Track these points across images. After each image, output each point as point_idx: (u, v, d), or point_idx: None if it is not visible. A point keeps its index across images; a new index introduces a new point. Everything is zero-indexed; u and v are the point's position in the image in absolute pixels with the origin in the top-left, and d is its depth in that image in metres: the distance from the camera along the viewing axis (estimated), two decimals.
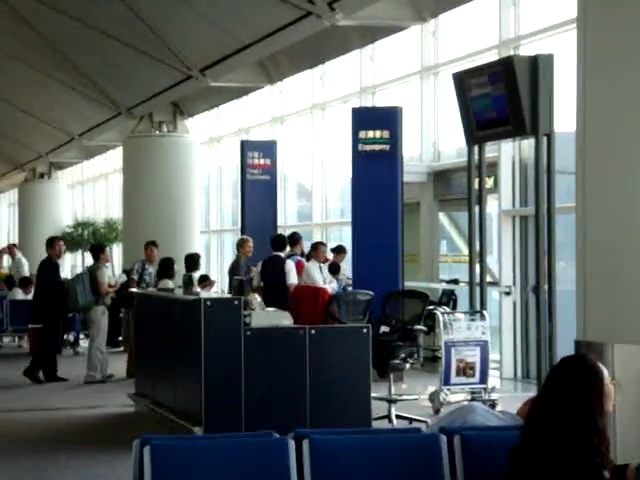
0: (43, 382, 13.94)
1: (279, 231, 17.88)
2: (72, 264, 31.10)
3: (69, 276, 16.08)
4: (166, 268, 14.48)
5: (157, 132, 20.18)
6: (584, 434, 4.35)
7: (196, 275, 14.88)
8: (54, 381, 13.95)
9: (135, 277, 14.90)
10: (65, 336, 17.97)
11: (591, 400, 4.40)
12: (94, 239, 28.53)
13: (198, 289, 12.82)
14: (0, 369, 15.59)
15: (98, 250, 14.71)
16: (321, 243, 14.77)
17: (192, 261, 15.16)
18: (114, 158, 27.37)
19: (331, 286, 13.29)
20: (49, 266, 14.36)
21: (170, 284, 13.87)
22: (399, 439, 5.01)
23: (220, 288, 19.70)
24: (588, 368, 4.50)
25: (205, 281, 14.19)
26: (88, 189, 34.09)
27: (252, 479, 4.60)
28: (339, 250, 15.16)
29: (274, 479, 4.61)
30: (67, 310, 15.21)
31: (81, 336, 18.37)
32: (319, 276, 13.29)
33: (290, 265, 13.79)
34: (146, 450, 4.48)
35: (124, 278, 14.85)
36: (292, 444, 4.67)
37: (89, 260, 29.93)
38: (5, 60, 19.74)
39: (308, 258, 14.31)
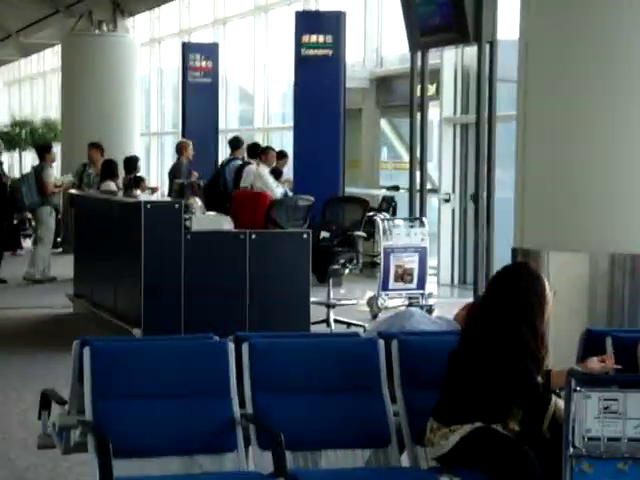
0: (6, 282, 13.80)
1: (220, 136, 17.78)
2: (9, 164, 30.63)
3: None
4: (109, 170, 14.35)
5: (97, 31, 19.80)
6: (522, 338, 4.43)
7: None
8: None
9: (73, 179, 14.78)
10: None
11: (532, 306, 4.48)
12: (32, 139, 28.13)
13: (138, 192, 12.73)
14: None
15: (44, 150, 14.50)
16: (271, 148, 14.62)
17: (131, 164, 15.03)
18: (52, 57, 26.86)
19: (280, 191, 13.21)
20: None
21: (113, 186, 13.76)
22: (337, 342, 5.07)
23: (161, 191, 19.60)
24: (531, 276, 4.57)
25: (140, 182, 14.05)
26: (25, 88, 33.51)
27: (191, 381, 4.63)
28: (281, 155, 15.08)
29: (213, 381, 4.64)
30: (10, 210, 15.06)
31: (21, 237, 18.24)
32: (272, 181, 13.17)
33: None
34: (86, 351, 4.49)
35: (70, 178, 14.68)
36: (232, 347, 4.69)
37: (27, 160, 29.69)
38: None
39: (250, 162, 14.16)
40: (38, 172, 14.04)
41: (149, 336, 7.93)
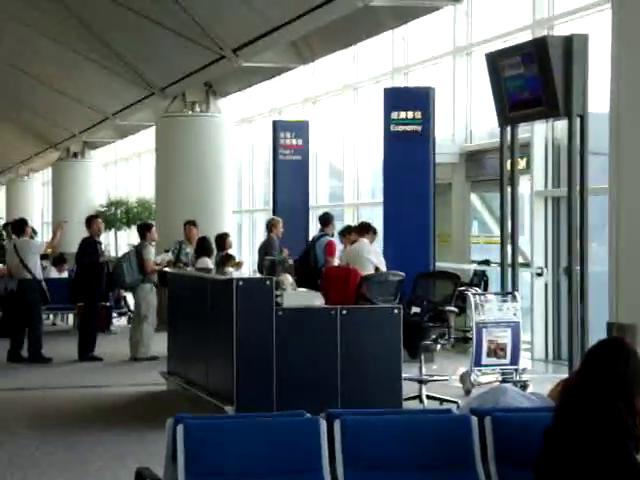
0: (102, 359, 14.02)
1: (310, 212, 17.91)
2: (105, 243, 31.24)
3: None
4: (204, 247, 14.55)
5: (190, 112, 20.19)
6: (619, 416, 4.34)
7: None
8: (89, 360, 14.04)
9: (171, 257, 14.96)
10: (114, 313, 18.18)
11: (628, 382, 4.39)
12: (127, 218, 28.68)
13: (230, 269, 12.84)
14: None
15: (145, 228, 14.75)
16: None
17: (221, 241, 15.23)
18: (147, 138, 27.43)
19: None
20: (89, 244, 14.42)
21: (209, 263, 13.92)
22: (430, 420, 5.02)
23: (252, 268, 19.76)
24: (627, 351, 4.48)
25: (230, 260, 14.18)
26: (121, 168, 34.23)
27: (284, 458, 4.62)
28: (369, 230, 15.06)
29: (305, 458, 4.63)
30: (109, 288, 15.34)
31: (114, 314, 18.52)
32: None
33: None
34: (179, 429, 4.51)
35: (170, 256, 14.87)
36: (324, 424, 4.68)
37: (122, 239, 30.24)
38: (40, 40, 19.82)
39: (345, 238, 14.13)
40: (139, 250, 14.28)
41: (242, 413, 7.94)
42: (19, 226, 14.62)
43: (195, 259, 14.63)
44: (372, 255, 13.14)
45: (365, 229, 13.73)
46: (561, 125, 12.85)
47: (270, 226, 15.92)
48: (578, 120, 11.07)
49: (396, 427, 4.85)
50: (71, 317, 18.90)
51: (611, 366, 4.43)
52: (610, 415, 4.34)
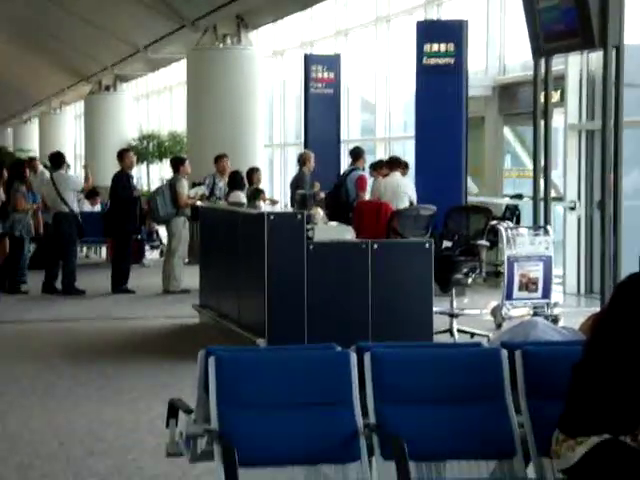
0: (135, 292, 14.14)
1: (342, 146, 17.85)
2: (137, 177, 31.35)
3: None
4: (236, 181, 14.58)
5: (221, 45, 20.09)
6: None
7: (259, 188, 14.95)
8: (122, 292, 14.18)
9: (206, 191, 15.01)
10: (147, 247, 18.34)
11: None
12: (159, 152, 28.71)
13: (261, 203, 12.88)
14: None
15: (178, 162, 14.78)
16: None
17: (251, 175, 15.28)
18: (178, 71, 27.36)
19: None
20: (121, 178, 14.46)
21: (242, 197, 13.96)
22: (460, 353, 5.03)
23: (283, 202, 19.79)
24: None
25: (260, 194, 14.20)
26: (153, 102, 34.21)
27: (314, 391, 4.65)
28: (403, 165, 15.04)
29: (336, 391, 4.66)
30: (142, 222, 15.46)
31: (146, 248, 18.64)
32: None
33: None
34: (211, 360, 4.54)
35: (203, 190, 14.90)
36: (354, 357, 4.70)
37: (155, 173, 30.31)
38: None
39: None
40: (173, 184, 14.31)
41: (273, 346, 8.00)
42: (56, 159, 14.66)
43: (228, 193, 14.68)
44: (407, 189, 13.17)
45: (396, 163, 13.72)
46: (596, 57, 12.69)
47: (302, 160, 15.90)
48: (614, 51, 10.94)
49: (426, 360, 4.86)
50: (104, 250, 19.03)
51: (639, 300, 4.41)
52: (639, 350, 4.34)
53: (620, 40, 10.90)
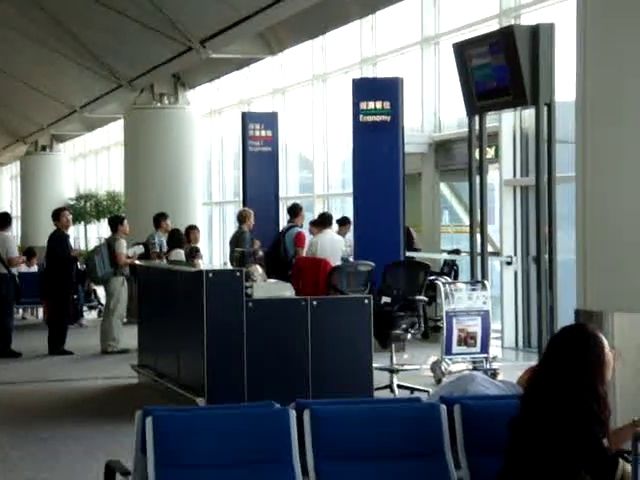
0: (73, 353, 13.95)
1: (281, 203, 17.89)
2: (75, 236, 31.12)
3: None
4: (177, 239, 14.57)
5: (158, 104, 20.11)
6: (584, 402, 4.36)
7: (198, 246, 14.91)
8: (60, 354, 13.98)
9: (157, 249, 15.01)
10: (83, 307, 18.13)
11: (592, 368, 4.41)
12: (96, 211, 28.55)
13: (199, 261, 12.84)
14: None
15: (117, 221, 14.70)
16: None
17: (188, 234, 15.30)
18: (116, 130, 27.32)
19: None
20: (58, 238, 14.31)
21: (182, 255, 13.92)
22: (400, 408, 5.04)
23: (223, 260, 19.74)
24: (588, 337, 4.50)
25: (196, 253, 14.18)
26: (90, 161, 34.06)
27: (254, 449, 4.62)
28: (344, 222, 15.15)
29: (276, 449, 4.63)
30: (79, 281, 15.28)
31: (84, 308, 18.46)
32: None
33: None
34: (148, 421, 4.51)
35: (141, 250, 14.83)
36: (293, 414, 4.69)
37: (92, 232, 30.12)
38: (7, 33, 19.67)
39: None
40: (111, 244, 14.23)
41: (211, 405, 7.93)
42: (2, 220, 14.47)
43: (167, 251, 14.63)
44: (341, 244, 13.32)
45: (326, 221, 13.92)
46: (528, 114, 12.89)
47: (242, 218, 15.89)
48: (545, 109, 11.12)
49: (366, 417, 4.86)
50: (41, 311, 18.80)
51: (574, 352, 4.45)
52: (575, 401, 4.37)
53: (551, 97, 11.08)
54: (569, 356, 4.44)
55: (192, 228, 15.55)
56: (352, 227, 14.67)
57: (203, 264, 12.75)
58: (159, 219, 15.83)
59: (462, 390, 5.43)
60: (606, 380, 4.48)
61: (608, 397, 4.49)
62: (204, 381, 9.19)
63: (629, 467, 4.21)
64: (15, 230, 32.86)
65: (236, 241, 15.69)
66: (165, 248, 15.07)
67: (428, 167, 15.96)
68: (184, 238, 14.98)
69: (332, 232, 13.82)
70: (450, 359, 11.05)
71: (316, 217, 16.23)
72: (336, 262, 12.84)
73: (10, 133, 31.03)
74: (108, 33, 17.83)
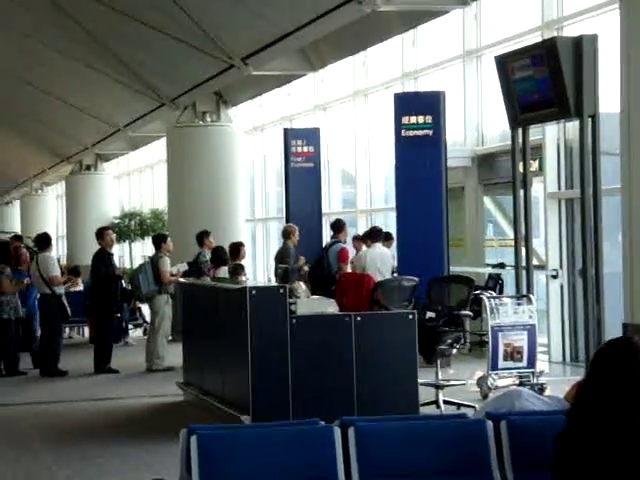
0: (118, 372, 14.05)
1: (324, 219, 17.89)
2: (120, 254, 31.32)
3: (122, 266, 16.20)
4: (219, 257, 14.60)
5: (201, 122, 20.21)
6: (633, 418, 4.30)
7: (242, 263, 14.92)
8: (106, 372, 14.05)
9: (208, 266, 15.08)
10: (130, 325, 18.25)
11: (639, 381, 4.35)
12: (140, 229, 28.71)
13: (243, 278, 12.85)
14: None
15: (161, 240, 14.76)
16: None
17: (236, 250, 15.28)
18: (159, 148, 27.48)
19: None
20: (102, 257, 14.40)
21: (226, 272, 13.95)
22: (445, 425, 5.01)
23: (268, 276, 19.75)
24: (635, 350, 4.45)
25: (239, 269, 14.20)
26: (134, 180, 34.28)
27: (299, 467, 4.61)
28: (387, 237, 15.12)
29: (321, 467, 4.62)
30: (124, 300, 15.38)
31: (130, 326, 18.55)
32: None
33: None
34: (193, 439, 4.51)
35: (185, 267, 14.89)
36: (338, 432, 4.67)
37: (137, 251, 30.28)
38: (50, 54, 19.88)
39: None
40: (155, 261, 14.30)
41: (257, 422, 7.93)
42: (43, 241, 14.64)
43: (209, 268, 14.67)
44: (389, 259, 13.37)
45: (376, 235, 13.88)
46: (573, 126, 12.81)
47: (287, 234, 15.91)
48: (589, 121, 11.04)
49: (411, 434, 4.84)
50: (87, 330, 18.91)
51: (621, 365, 4.39)
52: (624, 418, 4.31)
53: (595, 109, 11.01)
54: (616, 370, 4.38)
55: (239, 245, 15.58)
56: (395, 243, 14.64)
57: (247, 280, 12.75)
58: (202, 237, 15.91)
59: (508, 406, 5.38)
60: None
61: None
62: (249, 398, 9.18)
63: None
64: (61, 249, 33.23)
65: (281, 257, 15.71)
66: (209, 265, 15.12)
67: (471, 181, 15.90)
68: (228, 255, 15.01)
69: (381, 246, 13.80)
70: (496, 374, 10.97)
71: (360, 232, 16.23)
72: (386, 276, 12.83)
73: (55, 153, 31.32)
74: (150, 52, 17.96)
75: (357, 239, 15.14)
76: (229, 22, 15.57)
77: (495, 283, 14.26)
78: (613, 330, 9.38)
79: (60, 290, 14.38)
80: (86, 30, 17.71)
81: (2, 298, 14.04)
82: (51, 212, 39.70)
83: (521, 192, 12.24)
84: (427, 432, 4.84)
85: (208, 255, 15.47)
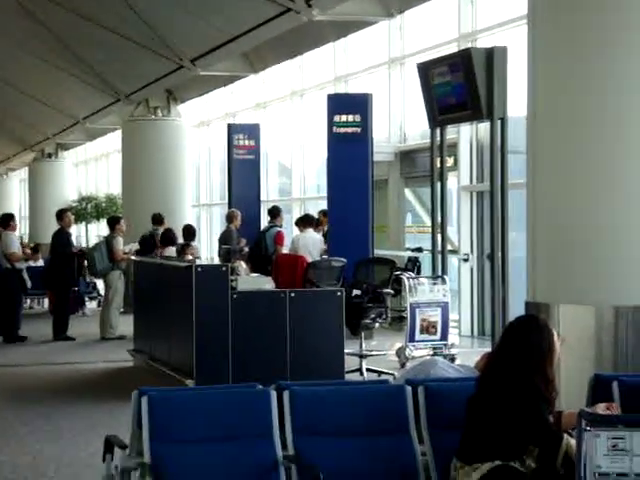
0: (75, 339, 13.87)
1: (262, 206, 17.85)
2: (77, 235, 30.94)
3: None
4: (168, 237, 14.55)
5: (152, 116, 20.03)
6: (534, 383, 4.38)
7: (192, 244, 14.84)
8: (63, 340, 13.90)
9: (138, 246, 15.02)
10: (85, 298, 18.03)
11: (542, 353, 4.43)
12: (96, 212, 28.40)
13: (189, 257, 12.77)
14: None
15: (115, 222, 14.65)
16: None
17: (189, 231, 15.32)
18: (114, 139, 27.17)
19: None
20: (61, 236, 14.26)
21: (174, 252, 13.89)
22: (369, 390, 5.03)
23: (210, 256, 19.66)
24: (541, 326, 4.53)
25: (187, 248, 14.13)
26: (91, 167, 33.89)
27: (238, 426, 4.60)
28: (318, 223, 15.07)
29: (258, 426, 4.62)
30: (79, 275, 15.23)
31: (86, 299, 18.35)
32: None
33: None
34: (143, 400, 4.48)
35: (137, 246, 14.84)
36: (274, 394, 4.67)
37: (92, 231, 29.95)
38: (17, 52, 19.55)
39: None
40: (109, 241, 14.18)
41: (199, 386, 7.90)
42: (5, 220, 14.43)
43: (162, 248, 14.59)
44: (320, 243, 13.36)
45: (308, 221, 13.91)
46: (484, 127, 12.92)
47: (230, 218, 15.85)
48: (499, 122, 11.15)
49: (339, 397, 4.85)
50: (46, 301, 18.67)
51: (527, 338, 4.46)
52: (526, 382, 4.38)
53: (504, 113, 11.10)
54: (523, 342, 4.46)
55: (189, 227, 15.60)
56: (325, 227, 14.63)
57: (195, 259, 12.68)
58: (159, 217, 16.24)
59: (425, 373, 5.43)
60: (554, 365, 4.49)
61: (555, 380, 4.50)
62: (193, 364, 9.15)
63: (573, 442, 4.21)
64: (23, 229, 32.70)
65: (224, 239, 15.65)
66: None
67: (394, 174, 15.97)
68: (175, 236, 14.90)
69: (312, 231, 13.81)
70: (413, 346, 11.05)
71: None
72: (316, 257, 12.84)
73: (19, 142, 30.84)
74: (108, 52, 17.74)
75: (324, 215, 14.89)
76: (180, 27, 15.44)
77: (413, 265, 14.34)
78: (516, 308, 9.49)
79: (20, 265, 14.18)
80: (51, 31, 17.44)
81: None
82: (15, 195, 39.08)
83: (438, 185, 12.32)
84: (353, 396, 4.85)
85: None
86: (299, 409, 4.64)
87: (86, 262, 14.53)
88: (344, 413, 4.74)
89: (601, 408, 4.39)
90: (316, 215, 15.02)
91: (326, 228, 14.22)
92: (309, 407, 4.68)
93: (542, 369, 4.42)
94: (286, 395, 4.65)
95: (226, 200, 18.63)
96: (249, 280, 9.93)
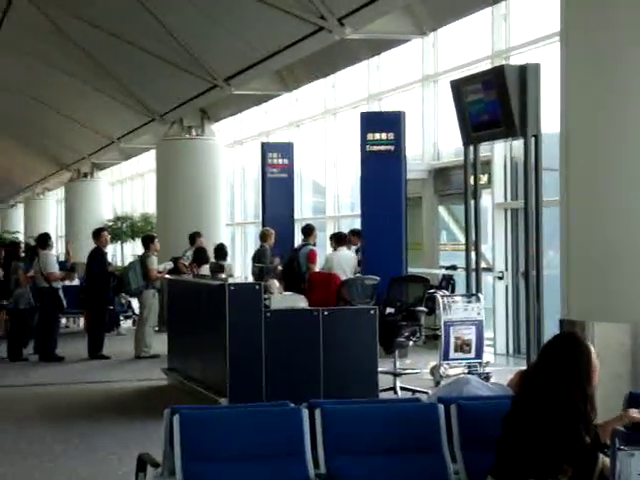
0: (110, 358, 13.96)
1: (295, 224, 17.89)
2: (112, 254, 31.16)
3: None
4: (202, 256, 14.60)
5: (187, 135, 20.17)
6: (573, 401, 4.33)
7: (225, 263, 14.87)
8: (98, 358, 13.99)
9: (172, 265, 15.02)
10: (120, 316, 18.13)
11: (582, 372, 4.38)
12: (131, 231, 28.59)
13: (223, 275, 12.79)
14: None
15: (149, 240, 14.72)
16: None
17: (221, 250, 15.32)
18: (149, 159, 27.37)
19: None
20: (97, 255, 14.37)
21: (207, 270, 13.92)
22: (402, 408, 5.02)
23: (244, 275, 19.71)
24: (580, 344, 4.48)
25: (221, 268, 14.14)
26: (126, 187, 34.13)
27: (270, 445, 4.60)
28: (350, 241, 15.07)
29: (290, 444, 4.61)
30: (115, 294, 15.32)
31: (121, 318, 18.45)
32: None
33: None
34: (175, 418, 4.50)
35: (171, 265, 14.86)
36: (306, 413, 4.67)
37: (127, 250, 30.13)
38: (52, 72, 19.78)
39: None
40: (143, 260, 14.25)
41: (232, 405, 7.91)
42: (43, 240, 14.57)
43: (190, 264, 14.67)
44: (353, 261, 13.36)
45: (342, 239, 13.90)
46: (518, 144, 12.87)
47: (264, 237, 15.87)
48: (533, 140, 11.09)
49: (371, 415, 4.84)
50: (82, 320, 18.79)
51: (566, 356, 4.42)
52: (565, 402, 4.34)
53: (538, 130, 11.05)
54: (563, 360, 4.41)
55: (222, 247, 15.65)
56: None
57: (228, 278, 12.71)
58: (194, 237, 16.15)
59: (458, 392, 5.40)
60: (594, 383, 4.45)
61: (594, 398, 4.46)
62: (226, 383, 9.16)
63: (608, 460, 4.17)
64: (60, 248, 32.98)
65: (258, 257, 15.67)
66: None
67: (428, 191, 15.94)
68: (208, 255, 14.98)
69: (346, 249, 13.82)
70: (447, 364, 11.01)
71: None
72: (349, 275, 12.83)
73: (56, 162, 31.16)
74: (143, 72, 17.91)
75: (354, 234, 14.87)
76: (214, 46, 15.56)
77: (448, 283, 14.29)
78: (551, 326, 9.43)
79: (57, 284, 14.30)
80: (86, 52, 17.64)
81: (19, 290, 14.02)
82: (51, 214, 39.46)
83: (472, 202, 12.28)
84: (385, 414, 4.84)
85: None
86: (331, 427, 4.63)
87: (121, 281, 14.60)
88: (376, 431, 4.73)
89: (635, 412, 4.34)
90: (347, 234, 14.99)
91: (358, 245, 14.21)
92: (341, 425, 4.67)
93: (581, 387, 4.38)
94: (318, 413, 4.65)
95: (260, 219, 18.68)
96: (282, 298, 9.94)
